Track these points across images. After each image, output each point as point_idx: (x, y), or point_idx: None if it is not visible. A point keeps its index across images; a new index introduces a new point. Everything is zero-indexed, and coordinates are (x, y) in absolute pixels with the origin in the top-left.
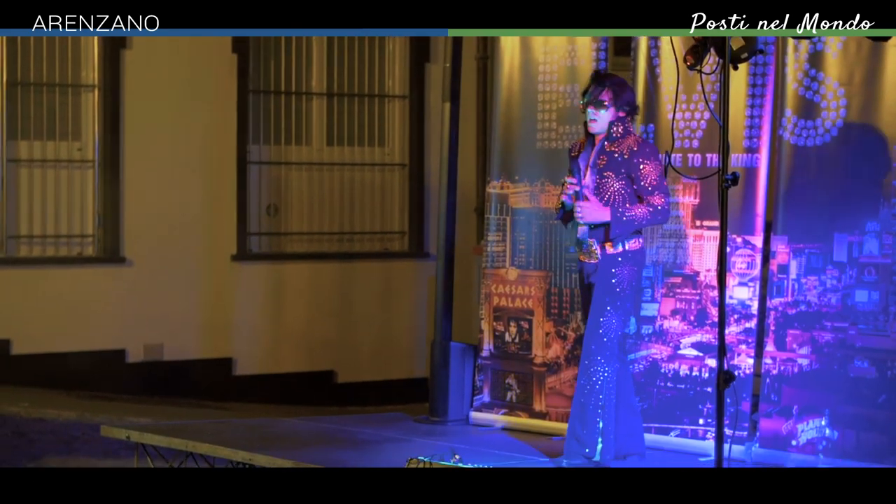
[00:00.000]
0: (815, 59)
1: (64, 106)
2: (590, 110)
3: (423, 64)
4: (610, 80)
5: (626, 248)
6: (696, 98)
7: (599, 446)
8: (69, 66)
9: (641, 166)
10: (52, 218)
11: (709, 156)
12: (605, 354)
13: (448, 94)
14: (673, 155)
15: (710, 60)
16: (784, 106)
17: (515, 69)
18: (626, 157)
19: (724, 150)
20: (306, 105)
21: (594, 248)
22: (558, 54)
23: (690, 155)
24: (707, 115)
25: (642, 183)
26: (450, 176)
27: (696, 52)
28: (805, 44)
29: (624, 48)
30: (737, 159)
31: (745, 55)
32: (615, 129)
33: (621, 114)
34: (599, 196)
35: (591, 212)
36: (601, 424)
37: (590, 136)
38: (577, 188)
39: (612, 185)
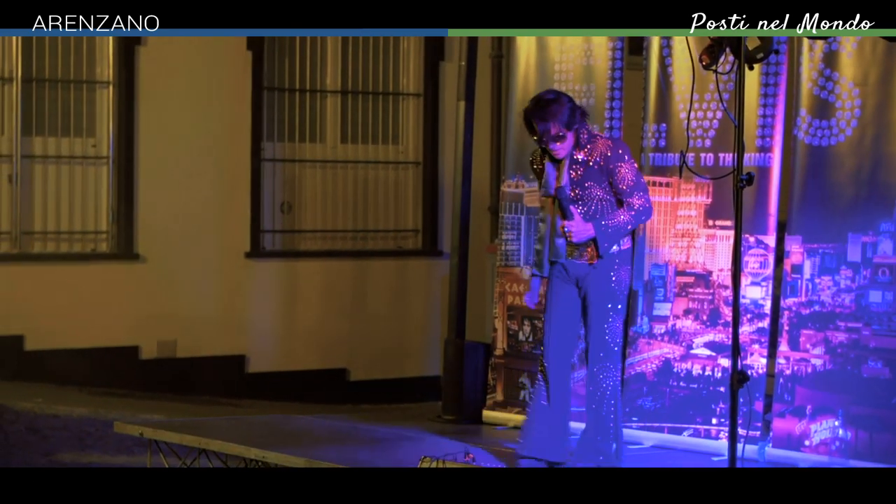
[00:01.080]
0: (830, 59)
1: (79, 102)
2: (552, 147)
3: (437, 62)
4: (547, 113)
5: (621, 248)
6: (707, 97)
7: (614, 448)
8: (84, 63)
9: (618, 170)
10: (67, 214)
11: (721, 155)
12: (612, 360)
13: (463, 92)
14: (687, 154)
15: (723, 60)
16: (799, 106)
17: (531, 68)
18: (601, 164)
19: (740, 151)
20: (321, 102)
21: (587, 248)
22: (574, 53)
23: (703, 154)
24: (720, 114)
25: (621, 186)
26: (464, 174)
27: (712, 51)
28: (820, 44)
29: (638, 47)
30: (749, 158)
31: (761, 55)
32: (581, 137)
33: (576, 125)
34: (583, 205)
35: (579, 231)
36: (614, 428)
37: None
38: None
39: (596, 194)
